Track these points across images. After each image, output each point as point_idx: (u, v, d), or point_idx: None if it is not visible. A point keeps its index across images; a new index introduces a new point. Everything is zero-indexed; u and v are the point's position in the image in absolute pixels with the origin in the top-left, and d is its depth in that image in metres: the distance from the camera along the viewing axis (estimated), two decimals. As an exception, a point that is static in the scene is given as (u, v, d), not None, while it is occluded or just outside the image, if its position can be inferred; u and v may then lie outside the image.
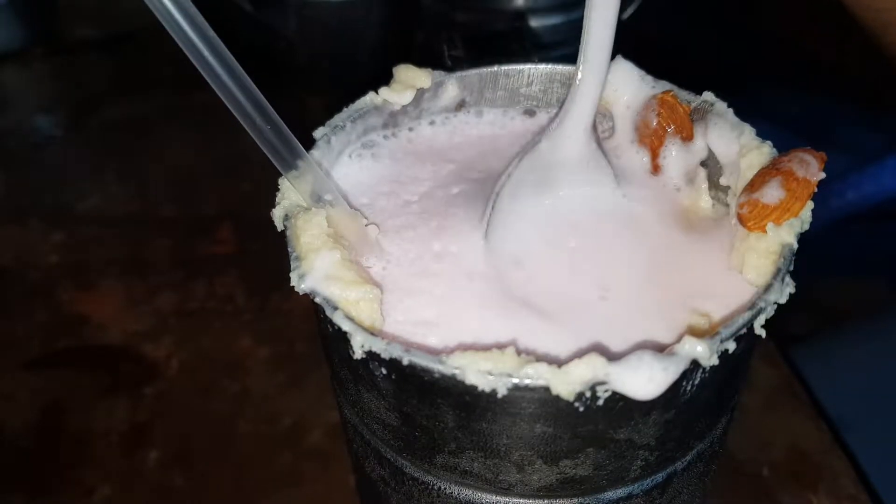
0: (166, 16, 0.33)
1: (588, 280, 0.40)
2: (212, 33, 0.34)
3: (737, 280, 0.39)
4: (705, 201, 0.45)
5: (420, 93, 0.47)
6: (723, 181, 0.44)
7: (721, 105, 0.44)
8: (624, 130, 0.48)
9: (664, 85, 0.46)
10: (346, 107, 0.46)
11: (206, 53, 0.34)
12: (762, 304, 0.34)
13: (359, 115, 0.46)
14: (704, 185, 0.45)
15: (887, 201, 0.92)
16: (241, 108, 0.36)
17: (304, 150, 0.39)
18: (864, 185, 0.91)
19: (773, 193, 0.38)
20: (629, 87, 0.46)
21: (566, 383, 0.31)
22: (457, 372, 0.31)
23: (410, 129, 0.49)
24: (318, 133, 0.44)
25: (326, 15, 0.98)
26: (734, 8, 1.14)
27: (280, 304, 0.76)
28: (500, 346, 0.32)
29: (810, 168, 0.38)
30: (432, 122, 0.50)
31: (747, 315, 0.33)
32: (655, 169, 0.46)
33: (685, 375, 0.32)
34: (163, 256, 0.82)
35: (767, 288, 0.34)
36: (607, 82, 0.46)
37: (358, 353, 0.33)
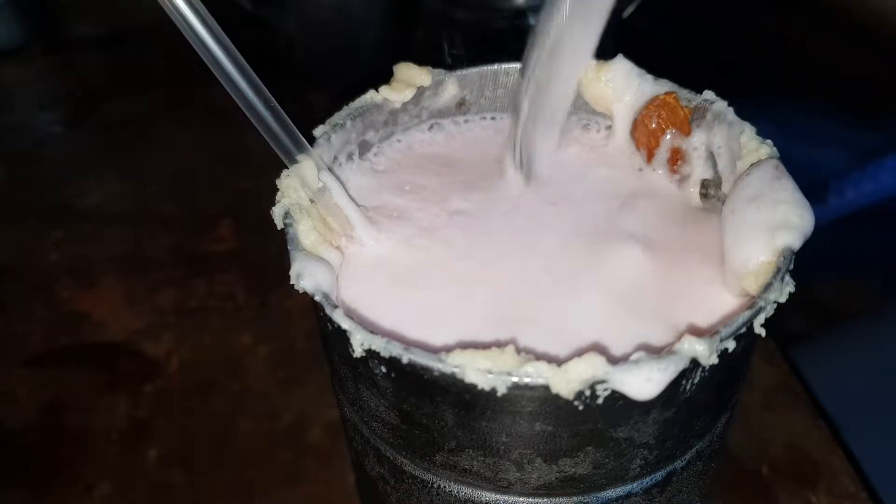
0: (168, 4, 0.33)
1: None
2: (212, 20, 0.34)
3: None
4: (698, 199, 0.45)
5: (420, 91, 0.47)
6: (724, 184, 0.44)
7: (721, 104, 0.44)
8: (623, 129, 0.48)
9: (664, 84, 0.46)
10: (347, 105, 0.46)
11: (206, 37, 0.34)
12: (762, 303, 0.34)
13: (359, 114, 0.46)
14: (696, 186, 0.45)
15: (886, 200, 0.92)
16: (241, 93, 0.36)
17: (304, 139, 0.40)
18: (864, 184, 0.91)
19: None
20: (629, 86, 0.46)
21: (566, 382, 0.31)
22: (456, 370, 0.31)
23: (400, 141, 0.49)
24: (318, 131, 0.44)
25: (326, 13, 0.98)
26: (734, 8, 1.14)
27: (280, 302, 0.76)
28: (500, 345, 0.32)
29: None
30: (431, 128, 0.50)
31: (747, 314, 0.33)
32: (651, 165, 0.47)
33: (685, 374, 0.32)
34: (163, 254, 0.82)
35: (767, 287, 0.34)
36: (607, 81, 0.47)
37: (357, 352, 0.33)
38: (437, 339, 0.37)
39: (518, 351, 0.32)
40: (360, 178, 0.47)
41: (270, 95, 0.38)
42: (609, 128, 0.49)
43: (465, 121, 0.50)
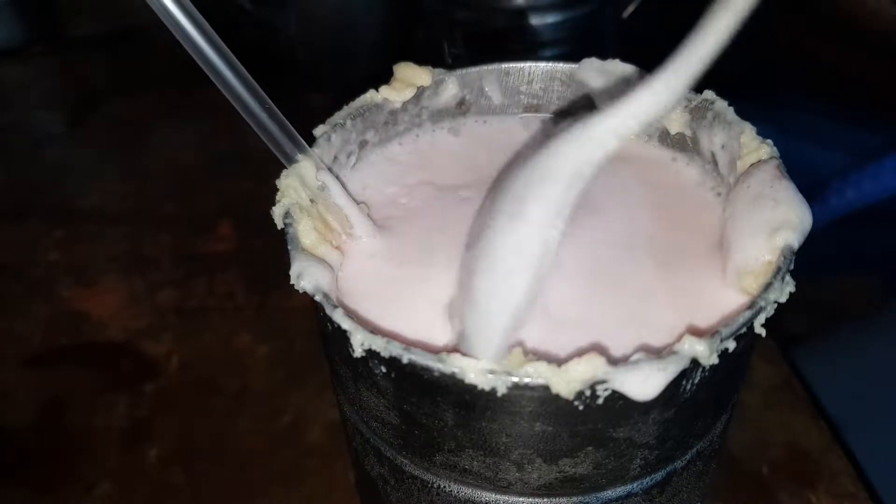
0: (160, 7, 0.33)
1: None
2: (206, 24, 0.34)
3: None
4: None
5: (420, 91, 0.47)
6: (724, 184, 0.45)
7: (721, 104, 0.44)
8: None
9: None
10: (347, 105, 0.46)
11: (201, 41, 0.34)
12: (762, 303, 0.34)
13: (359, 113, 0.46)
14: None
15: (886, 200, 0.92)
16: (236, 94, 0.36)
17: (302, 139, 0.40)
18: (864, 184, 0.91)
19: None
20: (627, 86, 0.46)
21: (566, 382, 0.31)
22: (456, 370, 0.31)
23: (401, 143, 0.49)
24: (318, 131, 0.44)
25: (327, 12, 0.98)
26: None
27: (280, 302, 0.76)
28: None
29: None
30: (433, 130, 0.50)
31: (747, 314, 0.33)
32: None
33: (685, 374, 0.32)
34: (163, 253, 0.82)
35: (767, 287, 0.34)
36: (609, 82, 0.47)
37: (357, 352, 0.33)
38: (437, 336, 0.37)
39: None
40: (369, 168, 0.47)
41: (266, 96, 0.38)
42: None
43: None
